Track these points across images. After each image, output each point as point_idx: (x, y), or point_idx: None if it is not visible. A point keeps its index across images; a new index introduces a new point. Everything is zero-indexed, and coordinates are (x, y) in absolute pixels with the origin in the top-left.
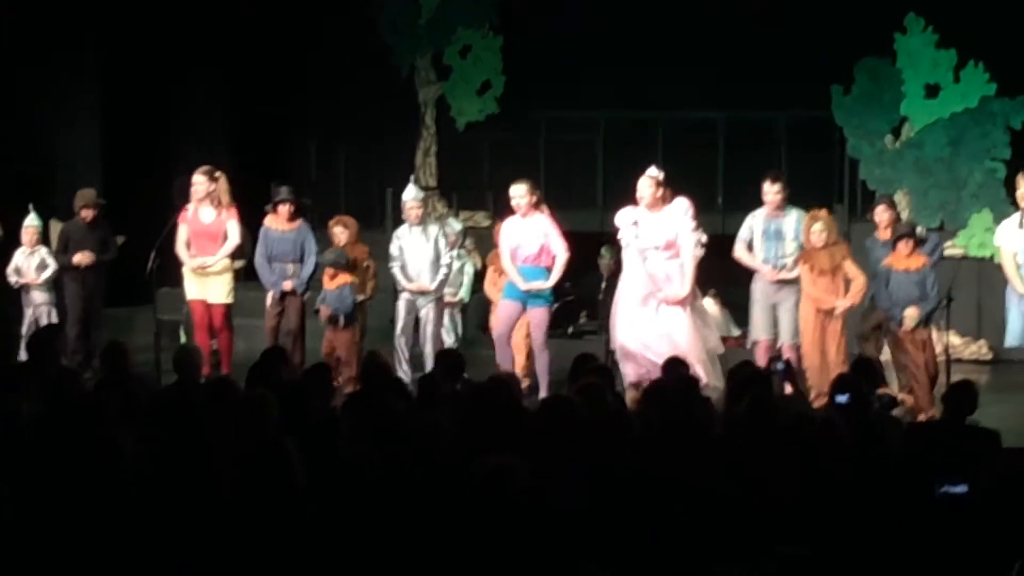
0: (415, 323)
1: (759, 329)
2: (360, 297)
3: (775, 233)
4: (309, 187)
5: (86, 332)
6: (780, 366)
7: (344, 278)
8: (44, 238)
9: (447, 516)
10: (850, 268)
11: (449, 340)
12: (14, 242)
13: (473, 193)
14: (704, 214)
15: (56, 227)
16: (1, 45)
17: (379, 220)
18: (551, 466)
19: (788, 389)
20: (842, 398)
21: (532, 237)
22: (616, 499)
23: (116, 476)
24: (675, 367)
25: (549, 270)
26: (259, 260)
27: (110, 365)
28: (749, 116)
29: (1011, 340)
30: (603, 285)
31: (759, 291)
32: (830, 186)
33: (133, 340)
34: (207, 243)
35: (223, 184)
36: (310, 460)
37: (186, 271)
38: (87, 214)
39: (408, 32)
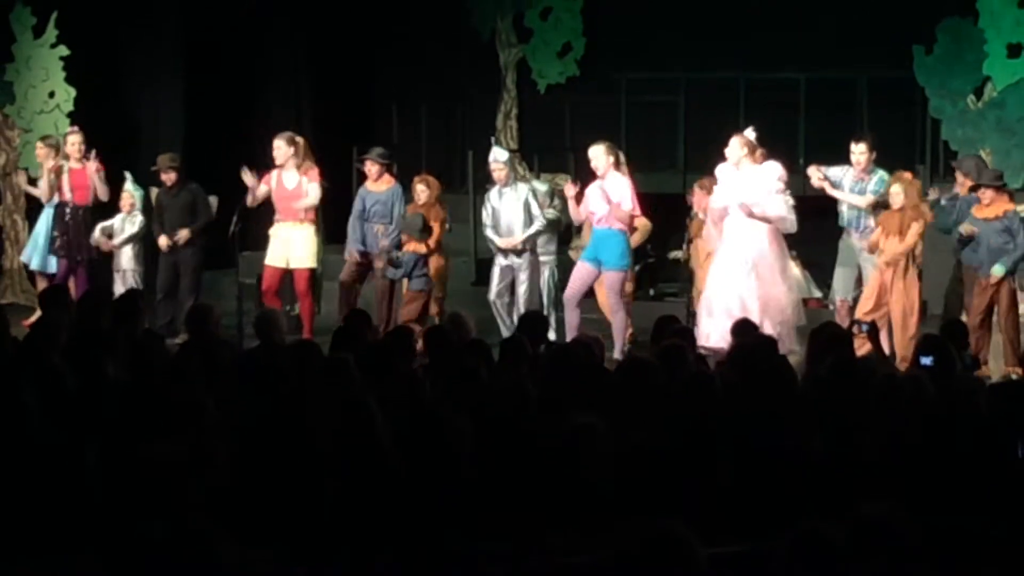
0: (512, 286)
1: (840, 289)
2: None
3: (860, 194)
4: (391, 149)
5: (171, 300)
6: (864, 327)
7: (415, 247)
8: (148, 206)
9: (529, 475)
10: (913, 227)
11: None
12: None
13: (555, 155)
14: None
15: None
16: (85, 10)
17: (460, 182)
18: (631, 426)
19: (871, 349)
20: (927, 359)
21: (603, 199)
22: (699, 458)
23: (200, 438)
24: (747, 329)
25: (620, 232)
26: (351, 219)
27: (195, 328)
28: (831, 76)
29: None
30: (685, 246)
31: (844, 251)
32: (912, 147)
33: (217, 304)
34: (291, 207)
35: (303, 148)
36: (393, 421)
37: (272, 233)
38: (166, 178)
39: None
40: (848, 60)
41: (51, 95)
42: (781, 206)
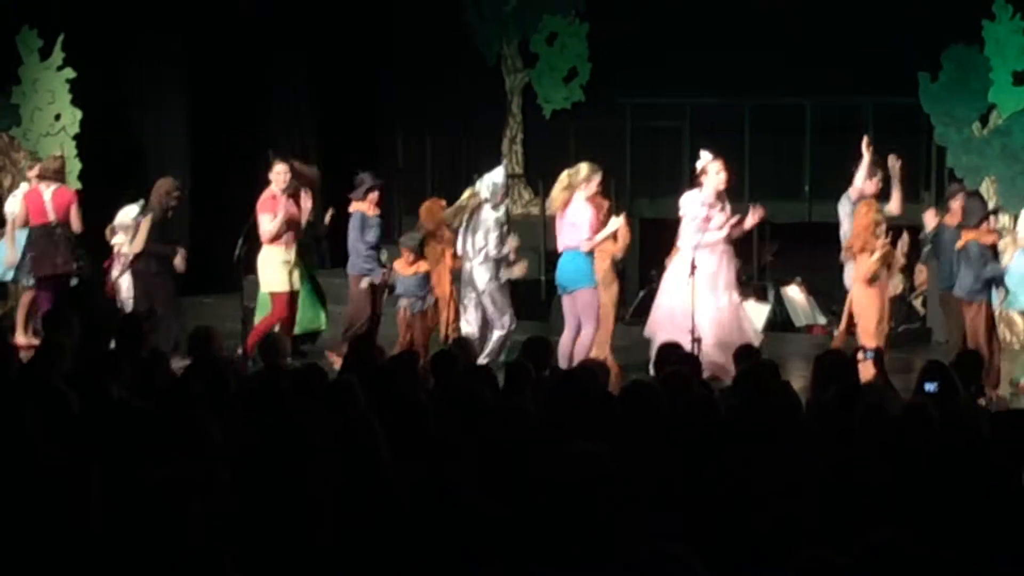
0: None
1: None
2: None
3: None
4: (396, 174)
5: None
6: (869, 354)
7: (421, 266)
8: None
9: (532, 499)
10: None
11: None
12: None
13: None
14: (791, 201)
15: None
16: (91, 33)
17: None
18: (635, 452)
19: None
20: (930, 386)
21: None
22: (703, 484)
23: (204, 460)
24: (748, 355)
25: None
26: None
27: (198, 350)
28: (836, 103)
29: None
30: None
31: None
32: (917, 173)
33: (221, 327)
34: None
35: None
36: (398, 445)
37: (274, 262)
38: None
39: (494, 20)
40: (853, 87)
41: (57, 117)
42: (691, 236)
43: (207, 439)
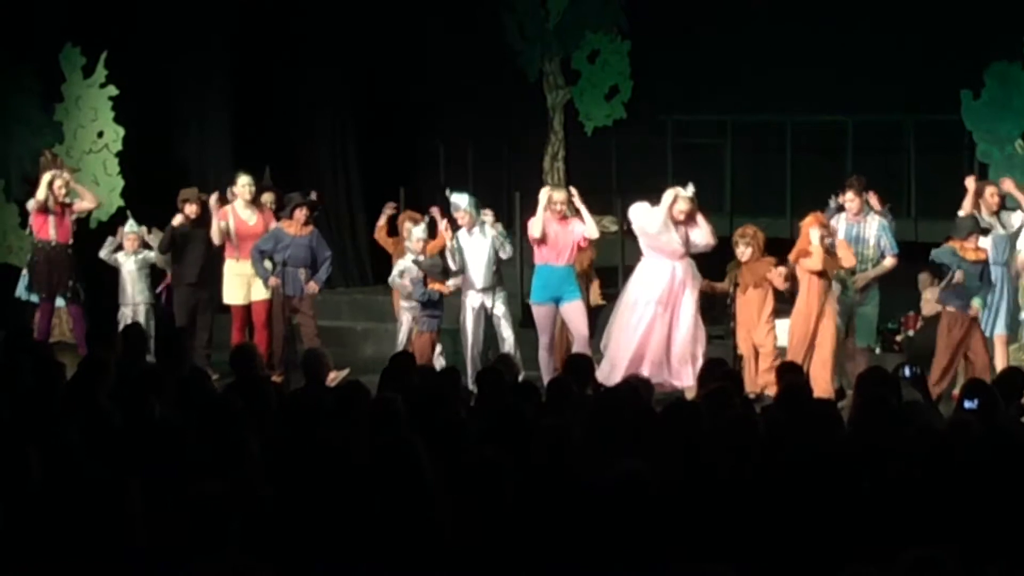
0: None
1: None
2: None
3: (855, 238)
4: (438, 191)
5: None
6: (908, 372)
7: (439, 286)
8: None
9: (575, 519)
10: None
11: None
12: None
13: (601, 197)
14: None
15: (157, 236)
16: (134, 51)
17: (508, 223)
18: (678, 470)
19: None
20: (970, 403)
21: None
22: (747, 502)
23: (245, 477)
24: (790, 372)
25: None
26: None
27: (240, 367)
28: (877, 120)
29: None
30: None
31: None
32: (958, 191)
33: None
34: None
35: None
36: (439, 461)
37: (238, 272)
38: (191, 210)
39: (536, 37)
40: (895, 104)
41: (100, 135)
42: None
43: (248, 456)
